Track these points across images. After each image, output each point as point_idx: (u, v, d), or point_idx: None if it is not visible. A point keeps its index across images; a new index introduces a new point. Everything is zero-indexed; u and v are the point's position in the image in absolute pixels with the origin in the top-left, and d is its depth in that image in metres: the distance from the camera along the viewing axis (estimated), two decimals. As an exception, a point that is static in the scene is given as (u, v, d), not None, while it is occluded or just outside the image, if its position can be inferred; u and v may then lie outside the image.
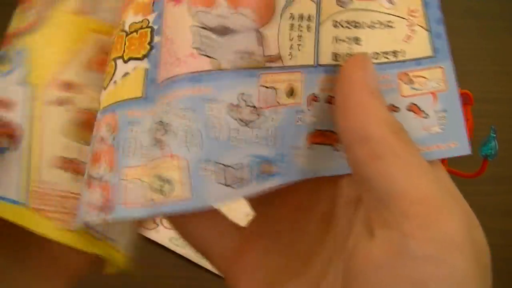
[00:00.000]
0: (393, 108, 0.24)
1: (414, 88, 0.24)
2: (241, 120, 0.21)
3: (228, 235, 0.26)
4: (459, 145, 0.25)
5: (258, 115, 0.22)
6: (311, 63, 0.23)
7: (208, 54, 0.21)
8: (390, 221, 0.20)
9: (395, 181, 0.20)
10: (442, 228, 0.19)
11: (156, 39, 0.22)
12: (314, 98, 0.23)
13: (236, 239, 0.26)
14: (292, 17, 0.22)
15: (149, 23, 0.22)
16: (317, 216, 0.24)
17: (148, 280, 0.47)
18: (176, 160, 0.21)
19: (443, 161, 0.53)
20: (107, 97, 0.23)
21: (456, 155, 0.25)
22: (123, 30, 0.23)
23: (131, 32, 0.23)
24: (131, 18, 0.23)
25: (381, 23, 0.24)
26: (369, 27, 0.24)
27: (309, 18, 0.23)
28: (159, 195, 0.21)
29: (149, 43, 0.22)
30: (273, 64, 0.22)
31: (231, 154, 0.21)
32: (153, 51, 0.22)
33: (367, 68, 0.22)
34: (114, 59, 0.23)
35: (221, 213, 0.26)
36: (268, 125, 0.22)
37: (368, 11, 0.24)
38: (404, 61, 0.24)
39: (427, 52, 0.24)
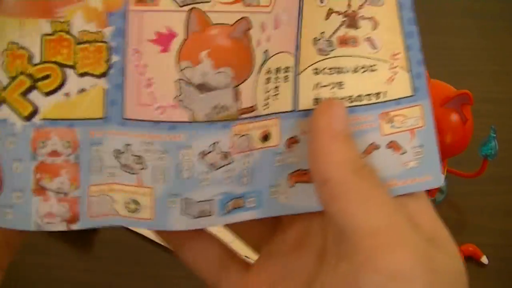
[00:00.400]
0: (374, 147, 0.25)
1: (394, 127, 0.25)
2: (212, 165, 0.23)
3: (237, 270, 0.27)
4: (432, 178, 0.26)
5: (229, 160, 0.24)
6: (289, 109, 0.25)
7: (187, 107, 0.23)
8: (346, 254, 0.22)
9: (350, 217, 0.22)
10: (390, 259, 0.21)
11: (115, 58, 0.22)
12: (295, 141, 0.25)
13: (245, 273, 0.27)
14: (269, 71, 0.24)
15: (103, 37, 0.22)
16: (313, 250, 0.25)
17: (148, 280, 0.47)
18: (145, 189, 0.23)
19: (443, 162, 0.54)
20: (56, 107, 0.22)
21: (429, 188, 0.26)
22: (68, 33, 0.22)
23: (84, 42, 0.22)
24: (81, 22, 0.22)
25: (364, 68, 0.25)
26: (352, 71, 0.25)
27: (286, 70, 0.24)
28: (125, 211, 0.23)
29: (107, 61, 0.22)
30: (247, 115, 0.23)
31: (199, 192, 0.24)
32: (113, 71, 0.22)
33: (332, 113, 0.24)
34: (60, 65, 0.22)
35: (232, 250, 0.28)
36: (241, 167, 0.24)
37: (351, 57, 0.25)
38: (385, 102, 0.25)
39: (407, 92, 0.26)
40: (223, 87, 0.23)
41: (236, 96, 0.23)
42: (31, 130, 0.22)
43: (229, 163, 0.24)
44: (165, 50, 0.22)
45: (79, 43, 0.22)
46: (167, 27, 0.22)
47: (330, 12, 0.25)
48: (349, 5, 0.25)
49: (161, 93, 0.22)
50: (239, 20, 0.22)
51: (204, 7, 0.22)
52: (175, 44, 0.22)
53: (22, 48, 0.22)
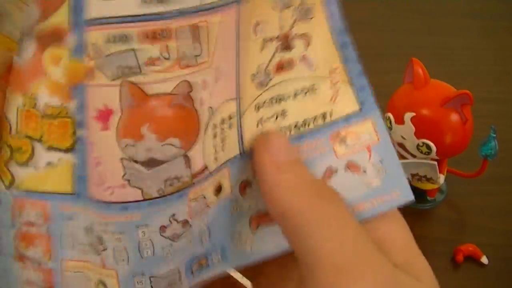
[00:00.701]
0: (332, 171, 0.24)
1: (348, 146, 0.24)
2: (173, 236, 0.22)
3: None
4: (400, 193, 0.24)
5: (190, 225, 0.22)
6: (236, 153, 0.23)
7: (137, 186, 0.21)
8: None
9: (311, 252, 0.20)
10: None
11: (79, 132, 0.21)
12: (247, 184, 0.24)
13: None
14: (215, 126, 0.22)
15: (68, 112, 0.21)
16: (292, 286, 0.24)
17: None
18: (109, 270, 0.22)
19: (443, 162, 0.54)
20: (27, 179, 0.22)
21: (400, 204, 0.24)
22: (34, 107, 0.21)
23: (49, 116, 0.21)
24: (45, 96, 0.21)
25: (304, 90, 0.24)
26: (293, 96, 0.24)
27: (230, 118, 0.23)
28: None
29: (72, 135, 0.21)
30: (200, 178, 0.22)
31: (165, 265, 0.22)
32: (79, 145, 0.21)
33: (270, 145, 0.22)
34: (30, 138, 0.22)
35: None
36: (199, 228, 0.23)
37: (289, 81, 0.24)
38: (333, 122, 0.24)
39: (354, 107, 0.24)
40: (172, 158, 0.21)
41: (188, 162, 0.21)
42: (10, 198, 0.22)
43: (188, 228, 0.22)
44: (105, 127, 0.21)
45: (44, 117, 0.21)
46: (104, 104, 0.20)
47: (264, 41, 0.23)
48: (281, 27, 0.23)
49: (109, 173, 0.21)
50: (177, 85, 0.21)
51: (137, 79, 0.20)
52: (114, 121, 0.20)
53: (7, 119, 0.22)
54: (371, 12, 0.82)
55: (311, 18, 0.24)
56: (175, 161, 0.21)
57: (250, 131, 0.23)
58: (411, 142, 0.48)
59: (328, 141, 0.24)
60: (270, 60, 0.23)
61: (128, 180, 0.21)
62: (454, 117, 0.47)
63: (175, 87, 0.21)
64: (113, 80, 0.20)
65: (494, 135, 0.48)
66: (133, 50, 0.20)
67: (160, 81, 0.21)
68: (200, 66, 0.21)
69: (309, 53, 0.24)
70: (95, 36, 0.20)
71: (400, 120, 0.48)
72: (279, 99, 0.24)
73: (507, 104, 0.66)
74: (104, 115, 0.21)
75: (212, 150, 0.22)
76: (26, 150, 0.22)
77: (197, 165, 0.22)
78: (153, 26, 0.20)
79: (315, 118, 0.24)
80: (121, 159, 0.21)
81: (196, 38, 0.21)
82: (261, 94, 0.23)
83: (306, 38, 0.24)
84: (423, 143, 0.48)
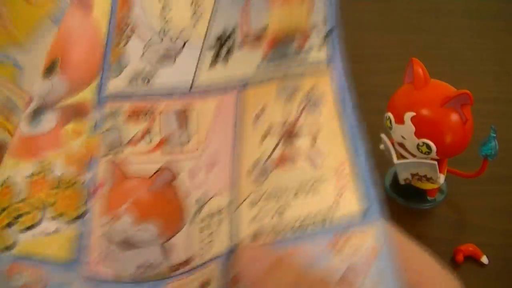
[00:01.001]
0: (325, 284, 0.23)
1: (345, 256, 0.23)
2: None
3: None
4: None
5: None
6: (227, 248, 0.22)
7: (110, 265, 0.21)
8: None
9: None
10: None
11: (89, 203, 0.21)
12: (238, 279, 0.23)
13: None
14: (202, 219, 0.22)
15: (82, 183, 0.21)
16: None
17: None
18: None
19: (443, 162, 0.54)
20: (30, 244, 0.22)
21: None
22: (50, 175, 0.22)
23: (63, 185, 0.22)
24: (62, 166, 0.22)
25: (306, 189, 0.23)
26: (293, 195, 0.23)
27: (219, 212, 0.22)
28: None
29: (83, 205, 0.22)
30: (182, 270, 0.21)
31: None
32: (86, 215, 0.21)
33: (245, 260, 0.22)
34: (41, 204, 0.22)
35: None
36: None
37: (290, 178, 0.23)
38: (333, 226, 0.23)
39: (357, 211, 0.23)
40: (147, 244, 0.21)
41: (166, 252, 0.21)
42: (9, 261, 0.22)
43: None
44: (94, 201, 0.21)
45: (59, 185, 0.22)
46: (101, 176, 0.21)
47: (265, 133, 0.22)
48: (285, 119, 0.22)
49: (90, 248, 0.21)
50: (158, 171, 0.20)
51: (119, 157, 0.20)
52: (100, 196, 0.21)
53: (13, 184, 0.22)
54: (371, 12, 0.82)
55: (320, 110, 0.23)
56: (150, 248, 0.20)
57: (243, 228, 0.22)
58: (411, 142, 0.48)
59: (325, 247, 0.22)
60: (271, 153, 0.22)
61: (103, 258, 0.21)
62: (454, 117, 0.47)
63: (155, 173, 0.20)
64: (105, 155, 0.20)
65: (494, 135, 0.48)
66: (118, 128, 0.20)
67: (140, 164, 0.20)
68: (186, 154, 0.20)
69: (314, 149, 0.23)
70: (106, 110, 0.20)
71: (400, 120, 0.48)
72: (278, 196, 0.23)
73: (507, 104, 0.66)
74: (95, 189, 0.21)
75: (198, 244, 0.21)
76: (35, 215, 0.22)
77: (179, 257, 0.21)
78: (137, 106, 0.20)
79: (314, 221, 0.23)
80: (99, 237, 0.20)
81: (183, 123, 0.20)
82: (257, 188, 0.22)
83: (312, 132, 0.23)
84: (423, 143, 0.48)
